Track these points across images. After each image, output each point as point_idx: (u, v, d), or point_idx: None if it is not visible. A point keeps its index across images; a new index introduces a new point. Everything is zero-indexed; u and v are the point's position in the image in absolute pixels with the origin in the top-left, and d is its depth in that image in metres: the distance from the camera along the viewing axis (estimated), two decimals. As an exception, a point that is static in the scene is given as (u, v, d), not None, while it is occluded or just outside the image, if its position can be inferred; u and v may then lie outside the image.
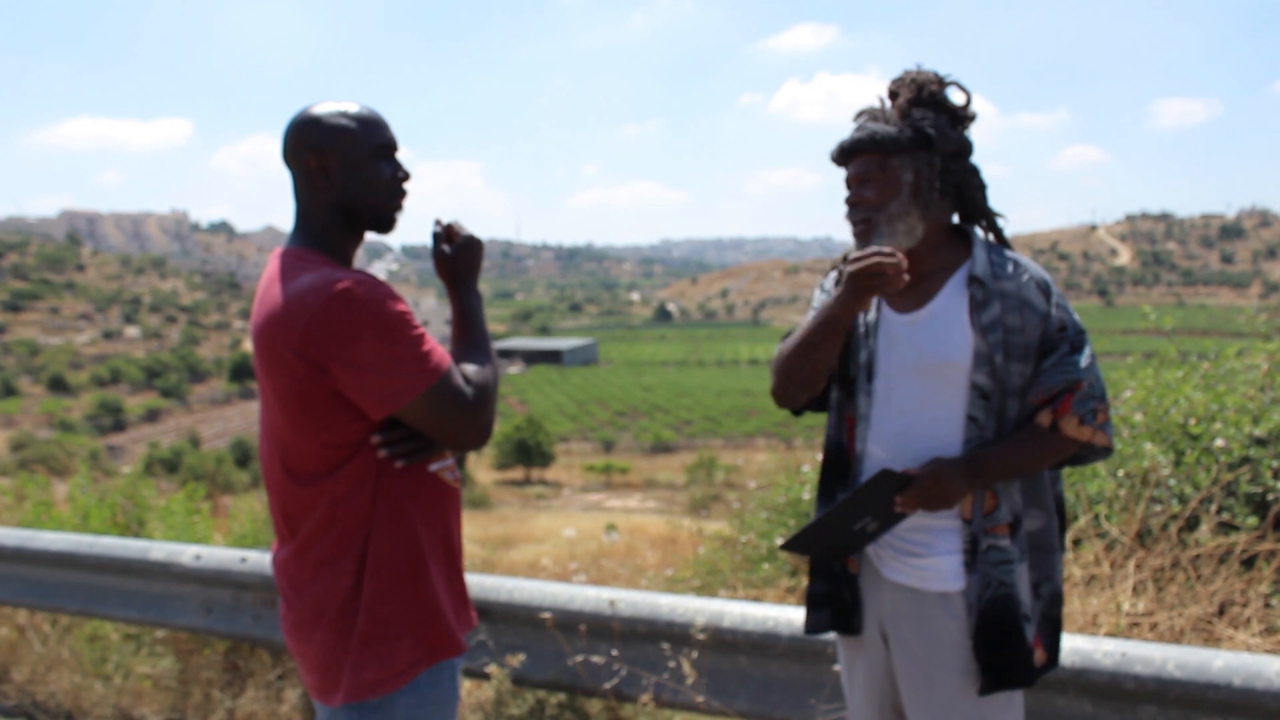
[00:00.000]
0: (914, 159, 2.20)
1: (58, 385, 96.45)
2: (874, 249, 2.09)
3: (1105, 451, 2.23)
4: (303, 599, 2.03)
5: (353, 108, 2.05)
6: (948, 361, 2.21)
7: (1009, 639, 2.18)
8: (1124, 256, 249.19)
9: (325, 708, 2.07)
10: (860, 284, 2.10)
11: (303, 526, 2.01)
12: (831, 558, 2.40)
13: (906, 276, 2.10)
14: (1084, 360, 2.17)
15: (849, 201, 2.27)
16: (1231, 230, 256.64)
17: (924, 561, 2.25)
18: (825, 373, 2.30)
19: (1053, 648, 2.28)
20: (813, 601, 2.47)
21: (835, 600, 2.43)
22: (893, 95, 2.27)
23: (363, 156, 2.03)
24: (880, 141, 2.20)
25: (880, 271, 2.06)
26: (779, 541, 2.37)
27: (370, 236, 2.12)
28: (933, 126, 2.19)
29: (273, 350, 1.92)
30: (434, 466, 2.05)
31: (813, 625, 2.47)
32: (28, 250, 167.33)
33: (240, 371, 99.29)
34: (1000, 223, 2.33)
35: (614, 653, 3.47)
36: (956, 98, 2.25)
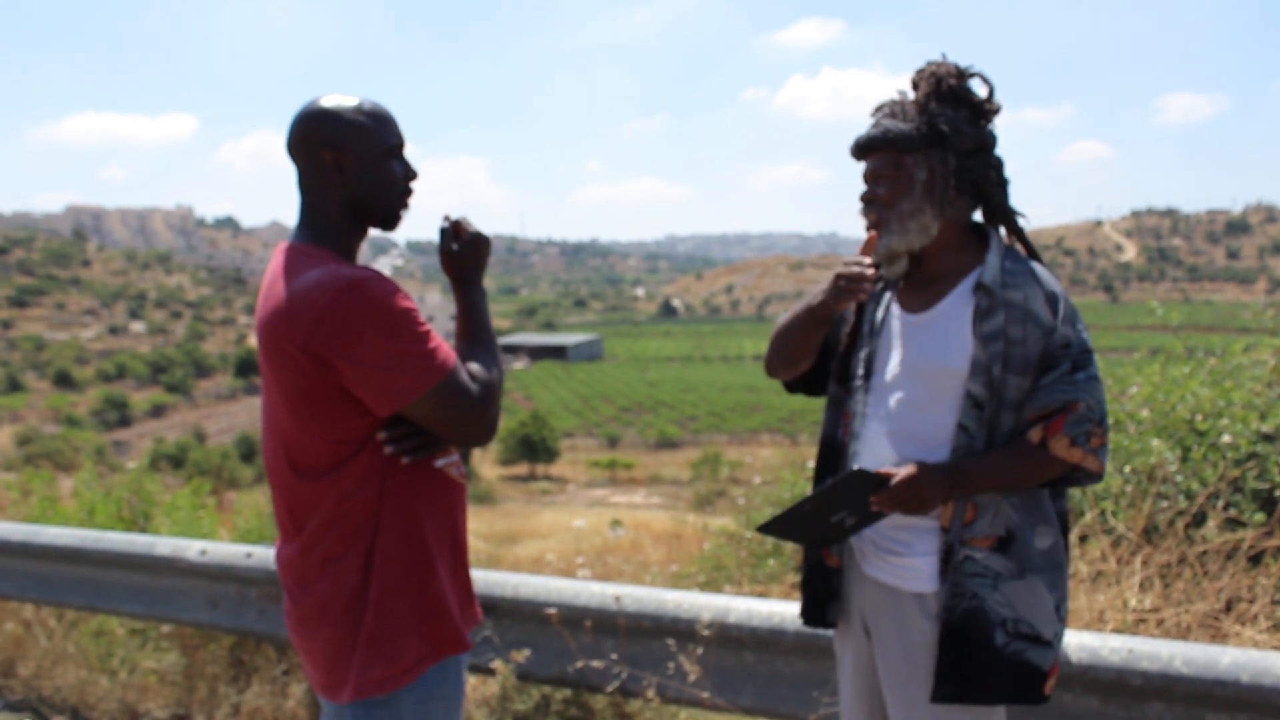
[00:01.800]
0: (928, 157, 2.17)
1: (63, 380, 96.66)
2: (860, 260, 2.18)
3: (1095, 477, 2.18)
4: (308, 595, 2.03)
5: (366, 104, 2.04)
6: (944, 367, 2.18)
7: (974, 653, 2.14)
8: (1129, 252, 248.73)
9: (331, 704, 2.07)
10: (839, 285, 2.18)
11: (308, 523, 2.00)
12: (812, 546, 2.42)
13: (868, 288, 2.18)
14: (1085, 380, 2.12)
15: (863, 198, 2.26)
16: (1237, 226, 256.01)
17: (902, 561, 2.25)
18: (803, 356, 2.40)
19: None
20: (802, 589, 2.49)
21: (813, 590, 2.44)
22: (915, 87, 2.23)
23: (377, 154, 2.03)
24: (894, 139, 2.17)
25: (860, 278, 2.15)
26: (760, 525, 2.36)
27: (375, 231, 2.12)
28: (949, 123, 2.15)
29: (278, 345, 1.91)
30: (440, 462, 2.05)
31: (804, 613, 2.49)
32: (34, 246, 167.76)
33: (245, 366, 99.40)
34: (1021, 222, 2.29)
35: (619, 649, 3.47)
36: (979, 91, 2.21)
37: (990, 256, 2.21)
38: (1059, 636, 2.19)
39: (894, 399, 2.25)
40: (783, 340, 2.39)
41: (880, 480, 2.14)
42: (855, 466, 2.26)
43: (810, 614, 2.45)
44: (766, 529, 2.32)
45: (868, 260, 2.19)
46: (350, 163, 2.01)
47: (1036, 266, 2.21)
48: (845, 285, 2.17)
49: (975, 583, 2.14)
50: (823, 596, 2.42)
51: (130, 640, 4.94)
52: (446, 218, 2.21)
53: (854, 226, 2.33)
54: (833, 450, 2.40)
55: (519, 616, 3.69)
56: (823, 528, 2.25)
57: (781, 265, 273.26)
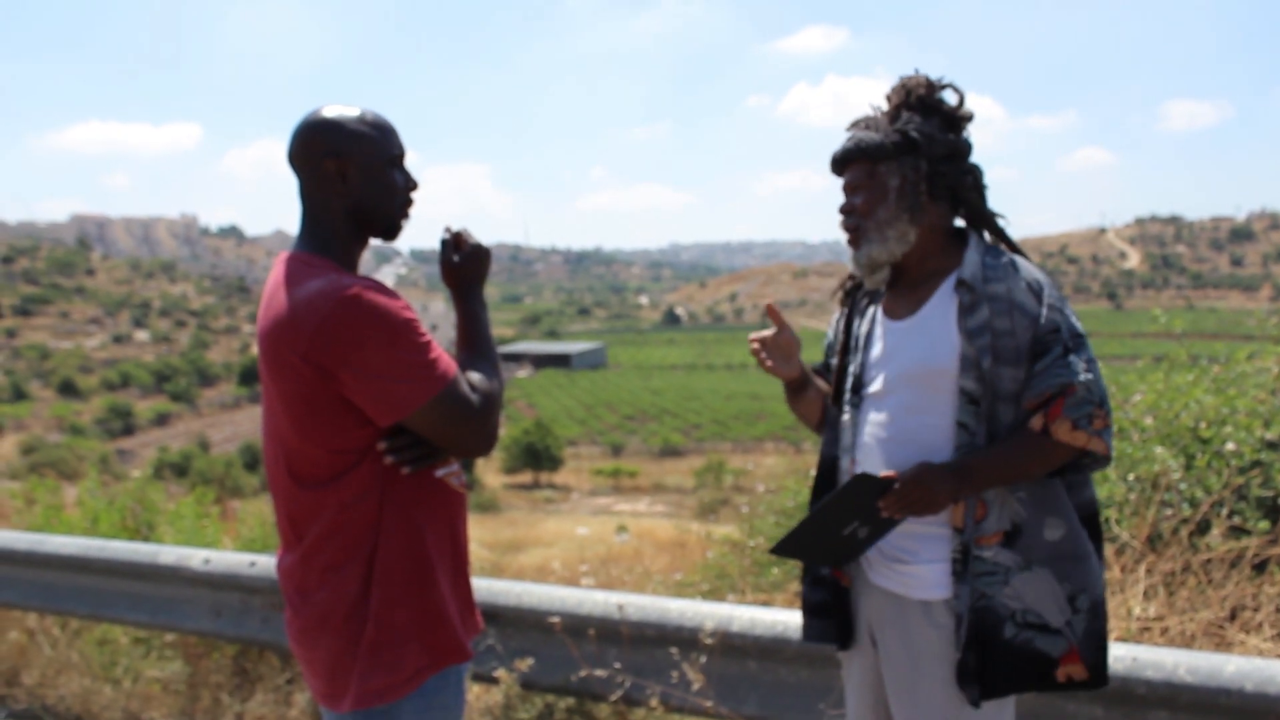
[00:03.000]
0: (900, 164, 2.21)
1: (68, 389, 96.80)
2: (759, 334, 2.40)
3: (1104, 460, 2.17)
4: (309, 605, 2.03)
5: (369, 114, 2.05)
6: (934, 368, 2.19)
7: (987, 650, 2.14)
8: (1133, 259, 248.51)
9: (332, 713, 2.06)
10: (761, 362, 2.41)
11: (309, 532, 2.00)
12: (828, 564, 2.40)
13: (766, 353, 2.40)
14: (1079, 363, 2.11)
15: (842, 210, 2.30)
16: (1241, 233, 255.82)
17: (908, 569, 2.24)
18: (812, 409, 2.53)
19: (1098, 663, 2.18)
20: (807, 608, 2.47)
21: (827, 612, 2.42)
22: (888, 102, 2.29)
23: (380, 164, 2.04)
24: (865, 149, 2.22)
25: (758, 350, 2.39)
26: (771, 545, 2.37)
27: (378, 240, 2.13)
28: (918, 130, 2.20)
29: (279, 355, 1.92)
30: (440, 472, 2.05)
31: (807, 632, 2.48)
32: (38, 255, 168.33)
33: (249, 375, 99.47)
34: (1002, 224, 2.31)
35: (622, 658, 3.46)
36: (949, 99, 2.25)
37: (969, 254, 2.23)
38: (1072, 625, 2.15)
39: (889, 406, 2.26)
40: (791, 409, 2.58)
41: (885, 484, 2.14)
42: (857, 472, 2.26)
43: (830, 633, 2.42)
44: (780, 550, 2.30)
45: (768, 332, 2.40)
46: (353, 172, 2.02)
47: (1018, 259, 2.23)
48: (760, 356, 2.40)
49: (984, 582, 2.14)
50: (840, 618, 2.40)
51: (134, 649, 4.94)
52: (448, 229, 2.22)
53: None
54: (832, 468, 2.42)
55: (522, 625, 3.68)
56: (836, 542, 2.24)
57: (785, 273, 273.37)
